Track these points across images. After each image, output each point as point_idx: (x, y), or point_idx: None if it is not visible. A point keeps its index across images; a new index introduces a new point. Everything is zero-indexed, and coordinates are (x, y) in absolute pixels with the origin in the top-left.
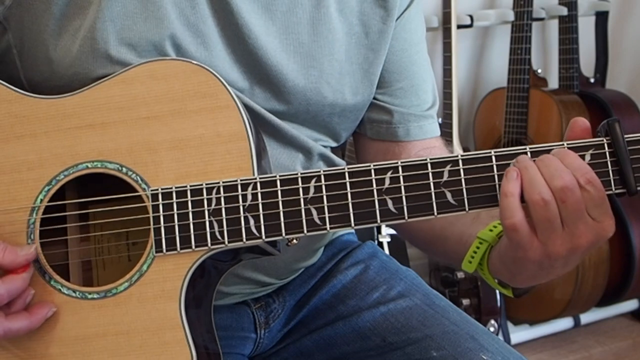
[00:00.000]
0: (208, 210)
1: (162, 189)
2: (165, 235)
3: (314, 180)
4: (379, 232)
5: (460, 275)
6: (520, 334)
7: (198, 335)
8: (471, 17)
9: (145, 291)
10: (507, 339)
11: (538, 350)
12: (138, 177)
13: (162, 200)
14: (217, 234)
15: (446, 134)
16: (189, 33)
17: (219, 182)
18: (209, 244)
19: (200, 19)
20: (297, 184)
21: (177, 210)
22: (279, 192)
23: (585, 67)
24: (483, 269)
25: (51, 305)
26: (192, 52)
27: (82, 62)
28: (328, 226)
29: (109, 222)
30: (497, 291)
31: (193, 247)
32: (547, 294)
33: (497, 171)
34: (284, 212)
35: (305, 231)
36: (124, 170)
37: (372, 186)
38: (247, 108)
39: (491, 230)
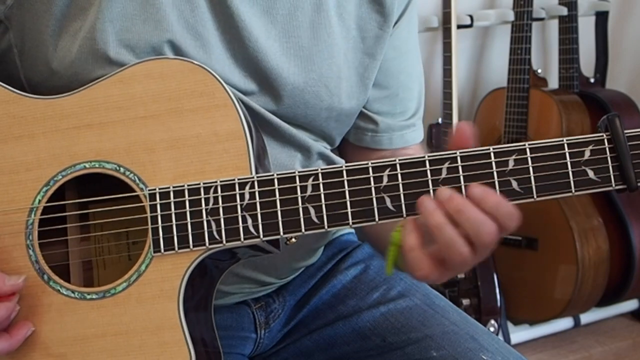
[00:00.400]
0: (206, 209)
1: (159, 189)
2: (162, 235)
3: (311, 179)
4: None
5: (460, 275)
6: (520, 334)
7: (197, 335)
8: (471, 17)
9: (143, 291)
10: (507, 339)
11: (538, 350)
12: (136, 177)
13: (160, 200)
14: (214, 233)
15: (446, 134)
16: (188, 36)
17: (216, 182)
18: (207, 244)
19: (199, 21)
20: (295, 182)
21: (175, 209)
22: (277, 191)
23: (585, 67)
24: (402, 269)
25: (29, 324)
26: (192, 54)
27: (81, 63)
28: (326, 225)
29: (108, 222)
30: (497, 291)
31: (191, 246)
32: (547, 294)
33: (496, 168)
34: (281, 210)
35: (303, 230)
36: (122, 170)
37: (369, 184)
38: (246, 107)
39: (398, 231)
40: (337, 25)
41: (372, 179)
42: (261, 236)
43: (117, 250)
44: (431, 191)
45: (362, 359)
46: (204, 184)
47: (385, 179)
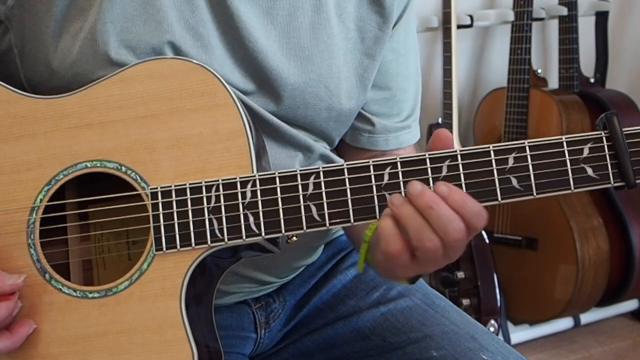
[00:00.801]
0: (207, 208)
1: (161, 188)
2: (165, 233)
3: (313, 177)
4: None
5: (460, 275)
6: (520, 334)
7: (199, 333)
8: (471, 17)
9: (145, 290)
10: (507, 339)
11: (538, 350)
12: (137, 176)
13: (162, 198)
14: (216, 231)
15: None
16: (188, 36)
17: (218, 180)
18: (209, 242)
19: (199, 22)
20: (296, 180)
21: (177, 208)
22: (278, 189)
23: (585, 67)
24: (371, 265)
25: (31, 322)
26: (192, 55)
27: (82, 64)
28: (327, 222)
29: (108, 221)
30: (497, 291)
31: (193, 245)
32: (547, 294)
33: (496, 166)
34: (283, 209)
35: (304, 228)
36: (123, 169)
37: (371, 182)
38: (246, 108)
39: (370, 229)
40: (337, 25)
41: (373, 177)
42: (263, 234)
43: (117, 249)
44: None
45: (362, 359)
46: (205, 182)
47: (386, 177)
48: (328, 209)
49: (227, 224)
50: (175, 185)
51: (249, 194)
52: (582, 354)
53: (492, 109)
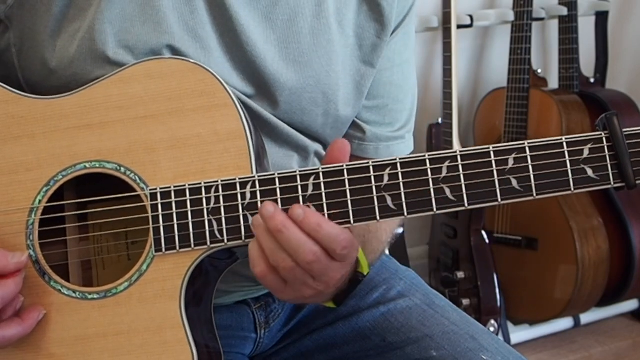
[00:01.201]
0: (207, 209)
1: (160, 189)
2: (164, 234)
3: (312, 178)
4: None
5: (460, 275)
6: (520, 334)
7: (199, 334)
8: (471, 17)
9: (145, 291)
10: (507, 339)
11: (538, 350)
12: (136, 177)
13: (161, 199)
14: (216, 232)
15: (446, 134)
16: (187, 38)
17: (217, 181)
18: (208, 243)
19: (199, 24)
20: (296, 181)
21: (176, 209)
22: (278, 190)
23: (585, 67)
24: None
25: (41, 308)
26: (191, 56)
27: (80, 64)
28: None
29: (108, 222)
30: (497, 291)
31: (192, 246)
32: (547, 294)
33: (496, 167)
34: (282, 210)
35: None
36: (123, 170)
37: (370, 183)
38: (245, 107)
39: None
40: (336, 32)
41: (372, 177)
42: None
43: (116, 250)
44: (432, 190)
45: (362, 359)
46: (205, 183)
47: (386, 178)
48: (328, 210)
49: (226, 225)
50: (174, 186)
51: (248, 195)
52: (582, 354)
53: (492, 109)
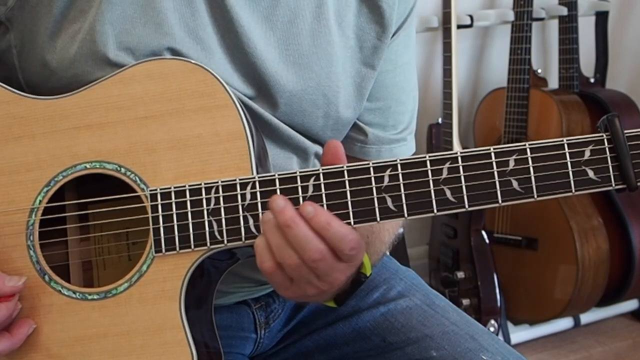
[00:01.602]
0: (207, 209)
1: (160, 189)
2: (164, 235)
3: (312, 179)
4: None
5: (460, 275)
6: (520, 334)
7: (199, 334)
8: (471, 17)
9: (145, 291)
10: (507, 339)
11: (538, 350)
12: (137, 177)
13: (161, 200)
14: (216, 233)
15: (446, 134)
16: (188, 39)
17: (217, 182)
18: (208, 244)
19: (199, 25)
20: (296, 182)
21: (176, 210)
22: (278, 191)
23: (585, 67)
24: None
25: (31, 322)
26: (192, 58)
27: (80, 65)
28: None
29: (108, 223)
30: (497, 291)
31: (192, 247)
32: (547, 294)
33: (497, 168)
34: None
35: None
36: (123, 170)
37: (371, 184)
38: (246, 108)
39: None
40: (336, 34)
41: (373, 179)
42: None
43: (117, 250)
44: (432, 191)
45: (362, 359)
46: (205, 184)
47: (386, 179)
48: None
49: (226, 225)
50: (174, 187)
51: (248, 196)
52: (582, 354)
53: (492, 109)
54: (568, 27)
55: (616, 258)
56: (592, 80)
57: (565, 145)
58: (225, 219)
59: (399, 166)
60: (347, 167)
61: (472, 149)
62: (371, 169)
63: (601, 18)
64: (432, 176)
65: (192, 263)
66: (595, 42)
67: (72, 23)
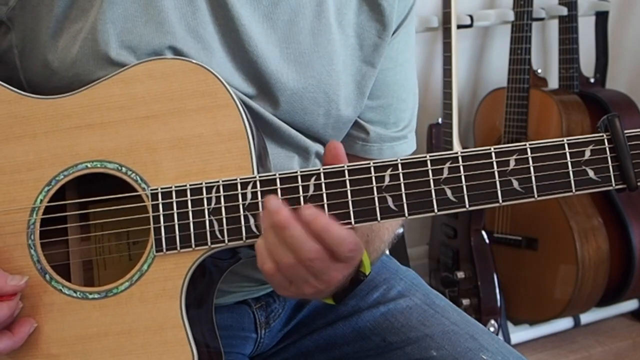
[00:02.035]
0: (208, 209)
1: (161, 189)
2: (165, 234)
3: (313, 179)
4: None
5: (460, 275)
6: (520, 334)
7: (199, 334)
8: (471, 17)
9: (146, 290)
10: (507, 339)
11: (538, 350)
12: (138, 177)
13: (162, 199)
14: (217, 232)
15: (446, 134)
16: (189, 38)
17: (218, 181)
18: (209, 243)
19: (200, 24)
20: (297, 182)
21: (177, 209)
22: (279, 191)
23: (585, 67)
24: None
25: (32, 321)
26: (193, 57)
27: (82, 64)
28: None
29: (109, 222)
30: (497, 291)
31: (193, 246)
32: (547, 294)
33: (497, 168)
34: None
35: None
36: (124, 169)
37: (371, 184)
38: (246, 108)
39: None
40: (337, 32)
41: (374, 178)
42: None
43: (117, 250)
44: (433, 191)
45: (362, 359)
46: (206, 183)
47: (387, 179)
48: (329, 211)
49: (227, 225)
50: (175, 186)
51: (249, 196)
52: (582, 354)
53: (492, 109)
54: (568, 27)
55: (616, 258)
56: (592, 80)
57: (566, 145)
58: (226, 218)
59: (399, 166)
60: (347, 166)
61: (473, 148)
62: (372, 168)
63: (601, 18)
64: (433, 176)
65: (193, 262)
66: (595, 42)
67: (73, 22)
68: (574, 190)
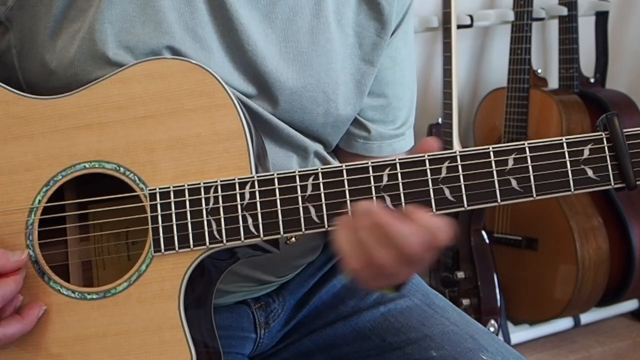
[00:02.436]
0: (206, 209)
1: (159, 189)
2: (163, 234)
3: (311, 178)
4: None
5: (460, 275)
6: (520, 334)
7: (198, 334)
8: (471, 17)
9: (144, 291)
10: (507, 339)
11: (538, 350)
12: (136, 177)
13: (160, 199)
14: (215, 233)
15: (446, 134)
16: (187, 38)
17: (216, 181)
18: (207, 243)
19: (199, 24)
20: (295, 182)
21: (175, 209)
22: (277, 190)
23: (585, 67)
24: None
25: (41, 304)
26: (191, 57)
27: (80, 64)
28: (326, 224)
29: (107, 222)
30: (497, 291)
31: (191, 246)
32: (547, 294)
33: (496, 167)
34: (282, 210)
35: (303, 229)
36: (122, 170)
37: (370, 183)
38: (245, 107)
39: None
40: (335, 31)
41: (372, 178)
42: (261, 236)
43: (116, 250)
44: (431, 190)
45: (362, 359)
46: (204, 183)
47: (385, 178)
48: (327, 210)
49: (225, 225)
50: (173, 187)
51: (247, 195)
52: (582, 354)
53: (492, 109)
54: (568, 27)
55: (616, 258)
56: (592, 80)
57: (564, 145)
58: (224, 218)
59: (397, 165)
60: (346, 166)
61: (471, 148)
62: (370, 168)
63: (601, 18)
64: (431, 175)
65: (191, 262)
66: (595, 42)
67: (72, 22)
68: (572, 190)
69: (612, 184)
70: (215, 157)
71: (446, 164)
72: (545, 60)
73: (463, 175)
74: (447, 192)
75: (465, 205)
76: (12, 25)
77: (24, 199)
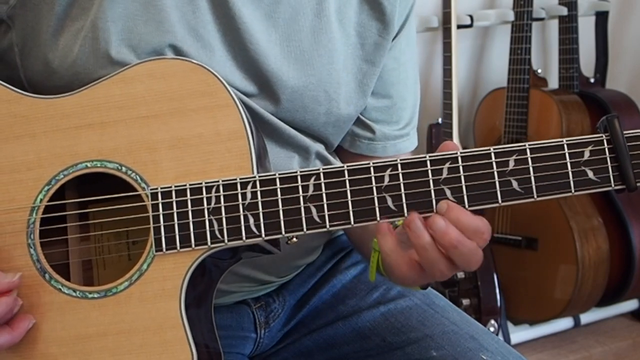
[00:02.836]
0: (208, 209)
1: (161, 188)
2: (164, 234)
3: (313, 179)
4: None
5: (460, 275)
6: (520, 334)
7: (198, 334)
8: (471, 17)
9: (145, 290)
10: (507, 339)
11: (538, 350)
12: (137, 177)
13: (162, 199)
14: (216, 232)
15: (446, 134)
16: (190, 37)
17: (218, 181)
18: (209, 243)
19: (201, 23)
20: (297, 182)
21: (177, 209)
22: (279, 191)
23: (585, 67)
24: (383, 274)
25: (31, 317)
26: (193, 56)
27: (82, 63)
28: (327, 224)
29: (109, 222)
30: (497, 291)
31: (193, 245)
32: (547, 294)
33: (497, 168)
34: (283, 210)
35: (304, 229)
36: (124, 169)
37: (371, 184)
38: (246, 107)
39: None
40: (337, 30)
41: (373, 178)
42: (263, 235)
43: (117, 249)
44: (432, 191)
45: (362, 359)
46: (205, 183)
47: (386, 179)
48: (328, 211)
49: (227, 225)
50: (175, 186)
51: (249, 195)
52: (582, 354)
53: (492, 109)
54: (568, 27)
55: (616, 258)
56: (592, 80)
57: (565, 146)
58: (226, 218)
59: (399, 166)
60: (347, 166)
61: (472, 149)
62: (371, 168)
63: (601, 18)
64: (432, 176)
65: (193, 262)
66: (595, 42)
67: (74, 21)
68: (573, 191)
69: (613, 186)
70: (217, 157)
71: (447, 164)
72: (545, 60)
73: (464, 176)
74: (448, 192)
75: (467, 206)
76: (14, 24)
77: (26, 197)
